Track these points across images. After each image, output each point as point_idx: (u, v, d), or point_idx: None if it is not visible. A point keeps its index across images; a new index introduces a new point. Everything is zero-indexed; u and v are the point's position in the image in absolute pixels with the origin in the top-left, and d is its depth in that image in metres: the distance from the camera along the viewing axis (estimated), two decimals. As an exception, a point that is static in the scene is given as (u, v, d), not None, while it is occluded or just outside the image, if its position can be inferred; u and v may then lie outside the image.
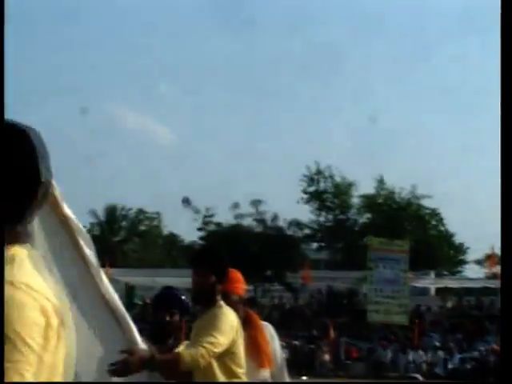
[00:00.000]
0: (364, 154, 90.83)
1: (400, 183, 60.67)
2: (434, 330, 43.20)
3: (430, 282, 54.30)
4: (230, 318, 5.62)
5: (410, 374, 36.73)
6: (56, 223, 5.03)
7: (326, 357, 36.70)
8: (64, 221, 5.06)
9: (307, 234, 59.26)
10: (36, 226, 4.48)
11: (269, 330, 6.64)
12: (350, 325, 43.34)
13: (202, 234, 54.98)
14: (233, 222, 53.79)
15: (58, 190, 4.88)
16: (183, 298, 6.33)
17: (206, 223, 54.57)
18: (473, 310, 46.08)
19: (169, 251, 69.86)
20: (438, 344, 40.73)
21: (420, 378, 36.26)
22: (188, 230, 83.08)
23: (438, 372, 37.71)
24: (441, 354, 39.09)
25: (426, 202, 60.56)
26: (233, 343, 5.55)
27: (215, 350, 5.39)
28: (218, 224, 54.50)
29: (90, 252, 5.12)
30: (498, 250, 57.07)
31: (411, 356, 38.70)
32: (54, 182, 4.88)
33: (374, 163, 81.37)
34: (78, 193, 59.02)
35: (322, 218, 60.80)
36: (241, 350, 5.66)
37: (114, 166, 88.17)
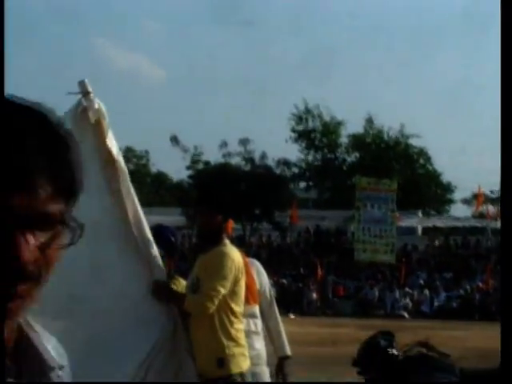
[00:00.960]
0: (353, 92, 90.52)
1: (389, 122, 60.62)
2: (420, 269, 43.54)
3: (417, 222, 54.60)
4: (234, 257, 5.63)
5: (396, 312, 37.07)
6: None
7: (314, 295, 36.96)
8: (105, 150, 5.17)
9: (295, 173, 59.26)
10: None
11: (256, 267, 6.62)
12: (338, 263, 43.64)
13: (190, 172, 54.97)
14: (221, 160, 53.75)
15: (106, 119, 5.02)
16: (172, 238, 6.31)
17: (194, 162, 54.52)
18: (459, 249, 46.41)
19: (157, 190, 69.82)
20: (424, 283, 41.06)
21: (406, 315, 36.61)
22: (176, 169, 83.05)
23: (424, 310, 38.08)
24: (427, 292, 39.43)
25: (414, 142, 60.60)
26: (235, 283, 5.56)
27: (219, 296, 5.47)
28: (207, 163, 54.45)
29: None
30: (485, 189, 57.40)
31: (398, 294, 39.02)
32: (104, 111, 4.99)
33: (363, 102, 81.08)
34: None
35: (310, 157, 60.76)
36: (242, 289, 5.68)
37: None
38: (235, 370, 5.49)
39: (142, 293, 5.18)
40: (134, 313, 5.16)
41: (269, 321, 6.61)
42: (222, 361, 5.46)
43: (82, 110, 4.95)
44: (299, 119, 59.96)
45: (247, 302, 6.26)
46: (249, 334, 6.27)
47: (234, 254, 5.68)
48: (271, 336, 6.61)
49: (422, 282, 41.42)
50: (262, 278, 6.65)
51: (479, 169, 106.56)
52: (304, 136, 59.92)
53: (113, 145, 5.11)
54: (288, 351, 6.61)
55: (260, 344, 6.37)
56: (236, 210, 36.45)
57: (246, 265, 6.45)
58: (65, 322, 4.52)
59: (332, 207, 56.17)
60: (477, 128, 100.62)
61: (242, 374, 5.53)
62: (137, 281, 5.21)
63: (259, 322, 6.42)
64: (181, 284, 6.32)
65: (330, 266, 42.68)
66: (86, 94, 4.96)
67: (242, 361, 5.57)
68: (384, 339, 7.80)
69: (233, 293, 5.62)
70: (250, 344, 6.26)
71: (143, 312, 5.19)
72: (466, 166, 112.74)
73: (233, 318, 5.61)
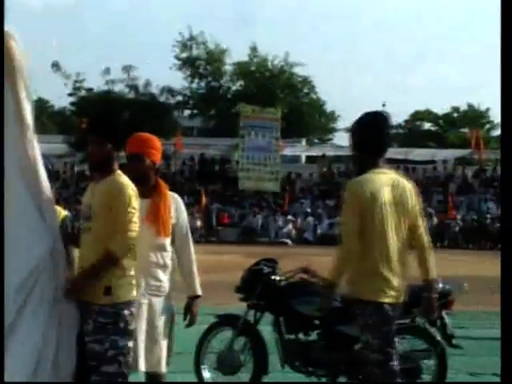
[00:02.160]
0: (238, 20, 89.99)
1: (273, 51, 60.64)
2: (304, 197, 44.14)
3: (301, 150, 55.13)
4: (129, 187, 5.64)
5: (279, 240, 37.58)
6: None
7: (198, 223, 37.09)
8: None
9: (180, 100, 58.83)
10: None
11: (176, 202, 6.58)
12: (222, 191, 43.83)
13: (72, 99, 53.89)
14: (104, 87, 52.79)
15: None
16: (49, 166, 6.21)
17: (76, 88, 53.37)
18: (342, 177, 47.14)
19: (38, 117, 68.07)
20: (308, 210, 41.69)
21: (290, 242, 37.18)
22: (58, 95, 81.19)
23: (307, 237, 38.73)
24: (310, 219, 40.06)
25: (298, 70, 60.82)
26: (134, 210, 5.59)
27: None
28: (89, 89, 53.40)
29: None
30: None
31: (281, 222, 39.53)
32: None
33: (248, 30, 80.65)
34: None
35: (194, 85, 60.39)
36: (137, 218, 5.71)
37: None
38: (121, 298, 5.53)
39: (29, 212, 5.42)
40: (26, 224, 5.40)
41: (182, 258, 6.58)
42: (109, 289, 5.50)
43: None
44: (184, 46, 59.33)
45: (158, 233, 6.28)
46: (153, 265, 6.28)
47: (128, 184, 5.68)
48: (183, 274, 6.61)
49: (305, 209, 42.04)
50: (181, 215, 6.60)
51: (363, 98, 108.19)
52: (188, 63, 59.40)
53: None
54: (198, 291, 6.60)
55: (164, 277, 6.36)
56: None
57: (166, 197, 6.42)
58: None
59: (216, 135, 56.15)
60: (362, 60, 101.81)
61: (127, 303, 5.57)
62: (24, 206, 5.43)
63: (168, 255, 6.40)
64: (61, 214, 6.21)
65: (214, 194, 42.85)
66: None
67: (128, 290, 5.59)
68: (267, 266, 7.89)
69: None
70: (153, 275, 6.29)
71: (32, 223, 5.45)
72: (351, 94, 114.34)
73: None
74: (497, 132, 73.24)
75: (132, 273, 5.67)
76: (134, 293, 5.69)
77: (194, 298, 6.64)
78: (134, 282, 5.68)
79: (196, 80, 60.18)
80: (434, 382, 7.14)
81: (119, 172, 5.74)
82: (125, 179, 5.70)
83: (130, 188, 5.64)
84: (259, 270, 7.80)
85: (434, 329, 7.08)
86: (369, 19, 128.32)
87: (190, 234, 6.68)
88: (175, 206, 6.57)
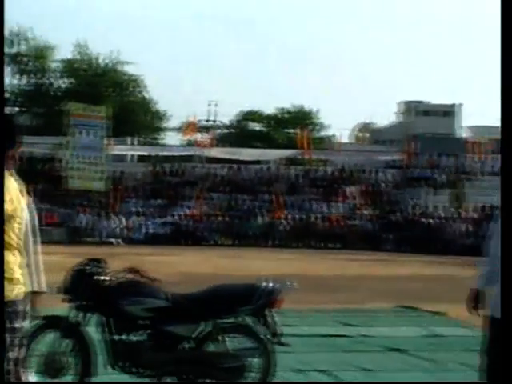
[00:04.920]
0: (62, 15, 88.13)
1: (102, 49, 60.00)
2: (132, 196, 43.79)
3: (129, 149, 54.66)
4: (12, 181, 5.38)
5: (108, 239, 37.17)
6: None
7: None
8: None
9: (7, 97, 57.26)
10: None
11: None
12: (49, 191, 42.83)
13: None
14: None
15: None
16: None
17: None
18: (170, 176, 47.08)
19: None
20: (136, 210, 41.39)
21: (119, 242, 36.83)
22: None
23: (136, 236, 38.48)
24: (139, 219, 39.81)
25: (128, 68, 60.34)
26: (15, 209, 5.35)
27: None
28: None
29: None
30: (196, 118, 58.58)
31: (110, 221, 39.10)
32: None
33: (75, 26, 79.28)
34: None
35: (22, 82, 59.02)
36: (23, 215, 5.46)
37: None
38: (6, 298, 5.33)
39: None
40: None
41: (31, 254, 6.34)
42: None
43: None
44: (10, 43, 57.74)
45: None
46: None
47: (12, 181, 5.43)
48: (30, 270, 6.36)
49: (133, 209, 41.72)
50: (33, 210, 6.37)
51: (192, 98, 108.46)
52: (15, 60, 57.92)
53: None
54: (44, 287, 6.38)
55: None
56: None
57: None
58: None
59: (43, 133, 54.88)
60: (194, 59, 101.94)
61: (12, 302, 5.37)
62: None
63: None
64: None
65: (41, 194, 41.78)
66: None
67: (11, 289, 5.38)
68: (93, 266, 7.73)
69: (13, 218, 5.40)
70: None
71: None
72: (180, 94, 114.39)
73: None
74: (324, 133, 75.27)
75: (17, 270, 5.45)
76: (18, 291, 5.47)
77: (38, 293, 6.44)
78: (20, 280, 5.46)
79: (24, 77, 58.86)
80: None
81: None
82: (9, 178, 5.47)
83: (12, 184, 5.42)
84: (84, 270, 7.63)
85: (262, 327, 7.14)
86: (208, 16, 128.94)
87: (38, 230, 6.48)
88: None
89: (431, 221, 43.33)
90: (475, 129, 79.98)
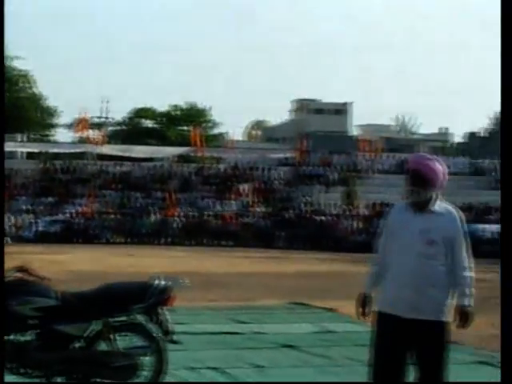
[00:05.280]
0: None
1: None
2: (22, 194, 42.95)
3: (18, 145, 53.57)
4: None
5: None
6: None
7: None
8: None
9: None
10: None
11: None
12: None
13: None
14: None
15: None
16: None
17: None
18: (61, 173, 46.37)
19: None
20: (26, 207, 40.62)
21: (8, 240, 36.06)
22: None
23: (26, 235, 37.77)
24: (29, 217, 39.08)
25: (17, 64, 59.12)
26: None
27: None
28: None
29: None
30: (88, 115, 57.78)
31: (-2, 220, 38.26)
32: None
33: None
34: None
35: None
36: None
37: None
38: None
39: None
40: None
41: None
42: None
43: None
44: None
45: None
46: None
47: None
48: None
49: (23, 206, 40.92)
50: None
51: (83, 94, 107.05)
52: None
53: None
54: None
55: None
56: None
57: None
58: None
59: None
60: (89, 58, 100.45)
61: None
62: None
63: None
64: None
65: None
66: None
67: None
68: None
69: None
70: None
71: None
72: (71, 90, 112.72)
73: None
74: (217, 130, 75.28)
75: None
76: None
77: None
78: None
79: None
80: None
81: None
82: None
83: None
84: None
85: (153, 325, 7.10)
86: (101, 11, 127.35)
87: None
88: None
89: (323, 218, 43.86)
90: (366, 127, 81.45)
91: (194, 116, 72.02)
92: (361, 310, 5.86)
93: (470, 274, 5.65)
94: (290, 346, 10.44)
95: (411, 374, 5.69)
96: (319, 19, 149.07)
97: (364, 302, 5.85)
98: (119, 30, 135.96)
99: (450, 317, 5.61)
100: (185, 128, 68.92)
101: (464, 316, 5.57)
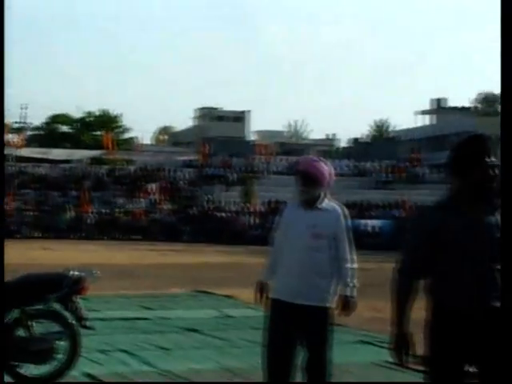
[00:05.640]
0: None
1: None
2: None
3: None
4: None
5: None
6: None
7: None
8: None
9: None
10: None
11: None
12: None
13: None
14: None
15: None
16: None
17: None
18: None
19: None
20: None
21: None
22: None
23: None
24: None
25: None
26: None
27: None
28: None
29: None
30: (9, 120, 56.37)
31: None
32: None
33: None
34: None
35: None
36: None
37: None
38: None
39: None
40: None
41: None
42: None
43: None
44: None
45: None
46: None
47: None
48: None
49: None
50: None
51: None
52: None
53: None
54: None
55: None
56: None
57: None
58: None
59: None
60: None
61: None
62: None
63: None
64: None
65: None
66: None
67: None
68: None
69: None
70: None
71: None
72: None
73: None
74: (127, 135, 74.71)
75: None
76: None
77: None
78: None
79: None
80: None
81: None
82: None
83: None
84: None
85: (68, 313, 7.00)
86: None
87: None
88: None
89: (224, 214, 44.01)
90: (262, 133, 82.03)
91: (106, 122, 71.28)
92: (258, 296, 5.88)
93: (352, 265, 5.74)
94: (193, 330, 10.43)
95: (300, 354, 5.75)
96: (217, 32, 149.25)
97: (261, 289, 5.88)
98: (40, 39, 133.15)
99: (333, 303, 5.69)
100: (98, 133, 68.07)
101: (346, 305, 5.65)
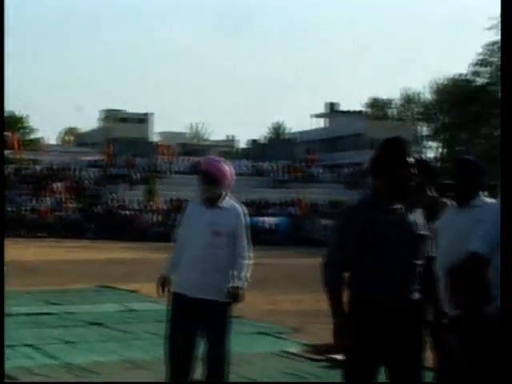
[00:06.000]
0: None
1: None
2: None
3: None
4: None
5: None
6: None
7: None
8: None
9: None
10: None
11: None
12: None
13: None
14: None
15: None
16: None
17: None
18: None
19: None
20: None
21: None
22: None
23: None
24: None
25: None
26: None
27: None
28: None
29: None
30: None
31: None
32: None
33: None
34: None
35: None
36: None
37: None
38: None
39: None
40: None
41: None
42: None
43: None
44: None
45: None
46: None
47: None
48: None
49: None
50: None
51: None
52: None
53: None
54: None
55: None
56: None
57: None
58: None
59: None
60: None
61: None
62: None
63: None
64: None
65: None
66: None
67: None
68: None
69: None
70: None
71: None
72: None
73: None
74: (34, 135, 73.07)
75: None
76: None
77: None
78: None
79: None
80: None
81: None
82: None
83: None
84: None
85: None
86: None
87: None
88: None
89: (127, 212, 43.65)
90: (165, 134, 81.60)
91: (12, 123, 69.51)
92: (160, 290, 5.83)
93: (246, 261, 5.76)
94: (98, 324, 10.28)
95: (201, 346, 5.73)
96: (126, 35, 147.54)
97: (163, 283, 5.83)
98: None
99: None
100: (4, 133, 66.27)
101: (234, 295, 5.65)
